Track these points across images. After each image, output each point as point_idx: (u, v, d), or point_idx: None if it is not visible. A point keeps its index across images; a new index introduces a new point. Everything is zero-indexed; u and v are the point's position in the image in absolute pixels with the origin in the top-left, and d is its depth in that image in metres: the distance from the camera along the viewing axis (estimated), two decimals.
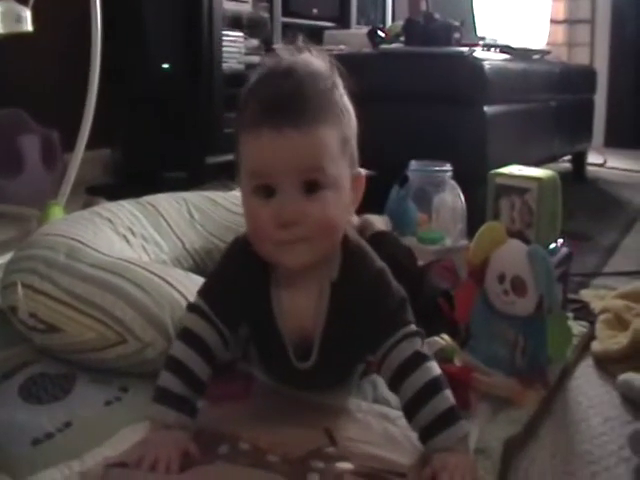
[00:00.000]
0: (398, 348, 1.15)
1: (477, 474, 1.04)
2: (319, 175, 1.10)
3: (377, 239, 1.77)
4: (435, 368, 1.14)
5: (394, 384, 1.16)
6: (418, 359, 1.14)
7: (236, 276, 1.21)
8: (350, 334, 1.20)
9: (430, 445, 1.09)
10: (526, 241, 1.38)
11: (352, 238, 1.23)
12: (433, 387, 1.12)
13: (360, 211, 1.93)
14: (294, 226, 1.10)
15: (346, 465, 1.09)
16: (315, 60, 1.16)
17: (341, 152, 1.12)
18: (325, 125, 1.09)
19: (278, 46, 1.20)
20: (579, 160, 3.77)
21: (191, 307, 1.24)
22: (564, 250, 1.51)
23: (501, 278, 1.37)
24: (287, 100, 1.08)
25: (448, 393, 1.11)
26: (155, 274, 1.45)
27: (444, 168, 2.12)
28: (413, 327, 1.18)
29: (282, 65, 1.13)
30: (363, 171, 1.20)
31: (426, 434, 1.10)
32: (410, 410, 1.13)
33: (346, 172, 1.14)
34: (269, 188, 1.10)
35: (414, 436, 1.16)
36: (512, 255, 1.36)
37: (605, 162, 4.20)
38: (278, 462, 1.09)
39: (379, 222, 1.95)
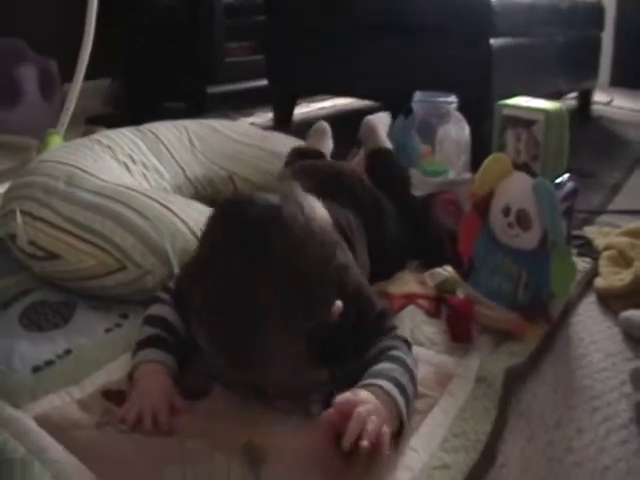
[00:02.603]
0: (376, 347, 1.09)
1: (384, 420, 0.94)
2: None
3: (376, 158, 1.75)
4: (409, 357, 1.08)
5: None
6: (393, 348, 1.08)
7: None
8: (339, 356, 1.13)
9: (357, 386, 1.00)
10: (532, 174, 1.36)
11: None
12: (394, 359, 1.05)
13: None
14: None
15: None
16: (285, 224, 0.97)
17: (297, 363, 1.02)
18: (276, 365, 0.99)
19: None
20: (585, 98, 3.73)
21: (165, 289, 1.23)
22: (570, 185, 1.49)
23: (506, 211, 1.35)
24: (234, 351, 0.97)
25: (406, 374, 1.03)
26: (156, 201, 1.44)
27: (449, 99, 2.09)
28: (394, 334, 1.13)
29: (233, 285, 0.96)
30: (338, 304, 1.05)
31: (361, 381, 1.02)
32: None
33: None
34: None
35: (421, 366, 1.16)
36: (517, 188, 1.34)
37: (611, 101, 4.15)
38: (278, 394, 1.09)
39: (381, 122, 1.94)
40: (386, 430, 0.92)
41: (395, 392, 0.99)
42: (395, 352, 1.07)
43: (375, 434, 0.90)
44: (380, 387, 0.98)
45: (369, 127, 1.92)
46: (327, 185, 1.41)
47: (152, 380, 1.07)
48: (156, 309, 1.19)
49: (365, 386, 0.99)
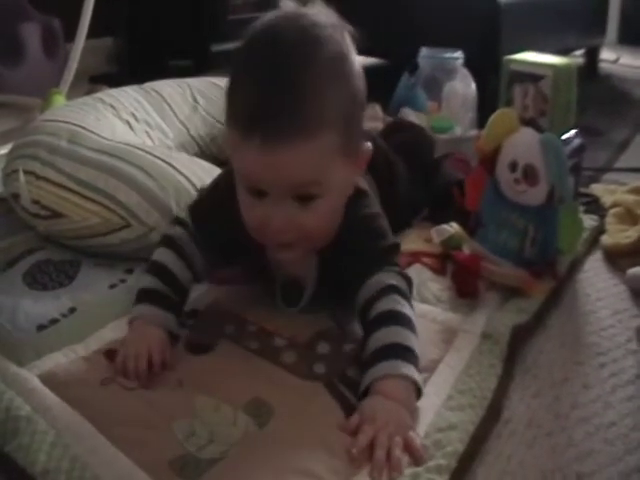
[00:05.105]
0: (374, 279, 1.07)
1: (409, 433, 0.90)
2: (312, 189, 1.01)
3: (399, 123, 1.74)
4: (406, 306, 1.04)
5: (363, 314, 1.06)
6: (391, 289, 1.05)
7: (228, 209, 1.10)
8: (340, 282, 1.12)
9: (368, 375, 0.97)
10: (539, 129, 1.34)
11: None
12: (394, 318, 1.02)
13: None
14: (286, 234, 1.04)
15: (351, 346, 1.10)
16: (322, 25, 1.01)
17: (341, 152, 1.02)
18: (322, 130, 0.97)
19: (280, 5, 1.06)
20: (592, 55, 3.70)
21: (177, 220, 1.22)
22: (577, 141, 1.47)
23: (513, 166, 1.34)
24: (278, 106, 0.95)
25: (409, 334, 1.00)
26: (159, 158, 1.43)
27: (455, 55, 2.07)
28: (397, 269, 1.09)
29: (279, 43, 0.98)
30: (369, 145, 1.11)
31: (368, 363, 0.99)
32: (365, 336, 1.04)
33: (345, 171, 1.05)
34: (260, 191, 1.02)
35: (426, 324, 1.16)
36: (524, 143, 1.33)
37: (618, 59, 4.12)
38: (285, 346, 1.10)
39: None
40: (413, 437, 0.90)
41: (411, 370, 0.96)
42: (395, 306, 1.03)
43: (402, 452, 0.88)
44: (398, 376, 0.95)
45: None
46: None
47: (145, 329, 1.07)
48: (161, 255, 1.17)
49: (381, 379, 0.95)
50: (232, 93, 1.03)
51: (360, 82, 1.06)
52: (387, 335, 1.00)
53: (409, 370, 0.96)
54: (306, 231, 1.04)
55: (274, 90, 0.96)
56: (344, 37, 1.05)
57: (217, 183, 1.21)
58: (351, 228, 1.11)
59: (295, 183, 1.00)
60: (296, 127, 0.96)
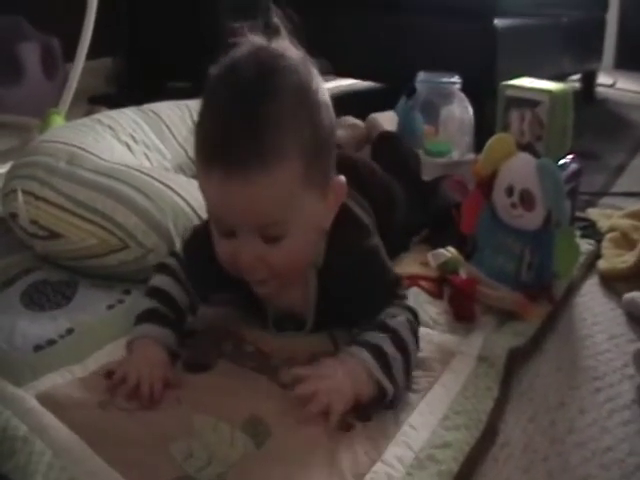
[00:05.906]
0: (384, 314, 1.08)
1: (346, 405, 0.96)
2: (277, 229, 1.01)
3: (383, 140, 1.75)
4: (402, 327, 1.06)
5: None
6: (392, 316, 1.07)
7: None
8: (341, 314, 1.14)
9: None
10: (536, 154, 1.35)
11: (340, 217, 1.12)
12: (389, 330, 1.04)
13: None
14: (255, 270, 1.05)
15: None
16: (285, 57, 1.02)
17: (306, 185, 1.01)
18: (282, 162, 0.97)
19: (247, 36, 1.05)
20: (589, 80, 3.71)
21: (171, 253, 1.24)
22: (574, 166, 1.48)
23: (509, 191, 1.35)
24: (237, 138, 0.96)
25: (393, 347, 1.03)
26: (157, 180, 1.43)
27: (452, 80, 2.08)
28: (405, 302, 1.12)
29: (239, 76, 0.99)
30: (342, 178, 1.10)
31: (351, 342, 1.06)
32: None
33: (314, 206, 1.04)
34: (229, 231, 1.03)
35: (423, 346, 1.15)
36: (521, 168, 1.34)
37: (615, 83, 4.13)
38: (282, 366, 1.10)
39: (386, 120, 1.92)
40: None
41: (367, 356, 1.00)
42: (390, 321, 1.06)
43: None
44: (350, 354, 1.01)
45: (371, 121, 1.94)
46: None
47: (146, 350, 1.07)
48: (158, 280, 1.18)
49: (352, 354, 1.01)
50: (197, 127, 1.04)
51: (327, 114, 1.06)
52: (372, 334, 1.04)
53: (368, 359, 1.00)
54: (275, 269, 1.04)
55: (234, 122, 0.97)
56: (309, 70, 1.05)
57: (207, 219, 1.20)
58: (352, 264, 1.11)
59: (259, 221, 1.00)
60: (254, 159, 0.96)
